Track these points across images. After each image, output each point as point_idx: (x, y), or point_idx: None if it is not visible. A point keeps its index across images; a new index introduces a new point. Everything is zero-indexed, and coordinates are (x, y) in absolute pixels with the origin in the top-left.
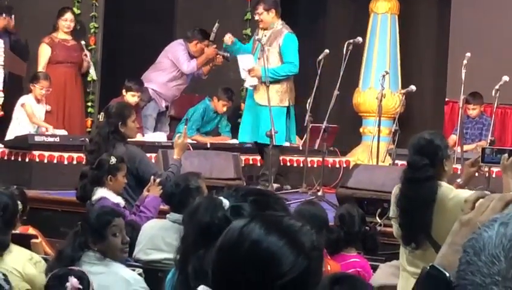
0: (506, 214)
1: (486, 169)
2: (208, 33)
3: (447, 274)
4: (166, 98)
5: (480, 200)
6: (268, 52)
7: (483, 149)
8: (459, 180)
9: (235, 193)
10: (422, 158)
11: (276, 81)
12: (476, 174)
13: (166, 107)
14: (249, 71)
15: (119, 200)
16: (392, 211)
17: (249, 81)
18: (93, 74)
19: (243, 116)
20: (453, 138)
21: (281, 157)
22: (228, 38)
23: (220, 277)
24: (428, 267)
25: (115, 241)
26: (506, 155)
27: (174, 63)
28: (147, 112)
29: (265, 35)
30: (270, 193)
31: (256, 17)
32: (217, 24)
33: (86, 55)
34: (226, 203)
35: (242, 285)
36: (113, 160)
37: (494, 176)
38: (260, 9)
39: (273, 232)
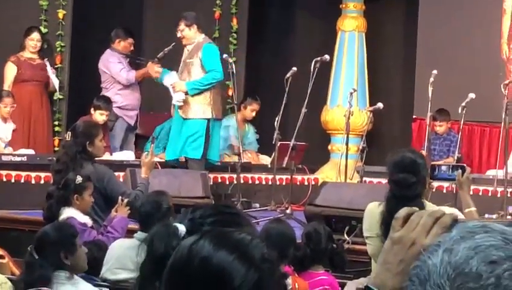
0: (450, 238)
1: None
2: (130, 31)
3: None
4: (133, 107)
5: (411, 216)
6: (191, 66)
7: (432, 166)
8: None
9: (191, 215)
10: (410, 176)
11: (198, 93)
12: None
13: (136, 120)
14: (173, 87)
15: (86, 219)
16: (367, 230)
17: (176, 97)
18: (55, 84)
19: (170, 133)
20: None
21: (241, 175)
22: (154, 72)
23: None
24: (363, 288)
25: (82, 250)
26: (460, 171)
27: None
28: (115, 132)
29: (188, 50)
30: (228, 210)
31: (179, 34)
32: (170, 46)
33: (52, 71)
34: (181, 230)
35: None
36: (79, 179)
37: None
38: (182, 25)
39: (222, 247)
